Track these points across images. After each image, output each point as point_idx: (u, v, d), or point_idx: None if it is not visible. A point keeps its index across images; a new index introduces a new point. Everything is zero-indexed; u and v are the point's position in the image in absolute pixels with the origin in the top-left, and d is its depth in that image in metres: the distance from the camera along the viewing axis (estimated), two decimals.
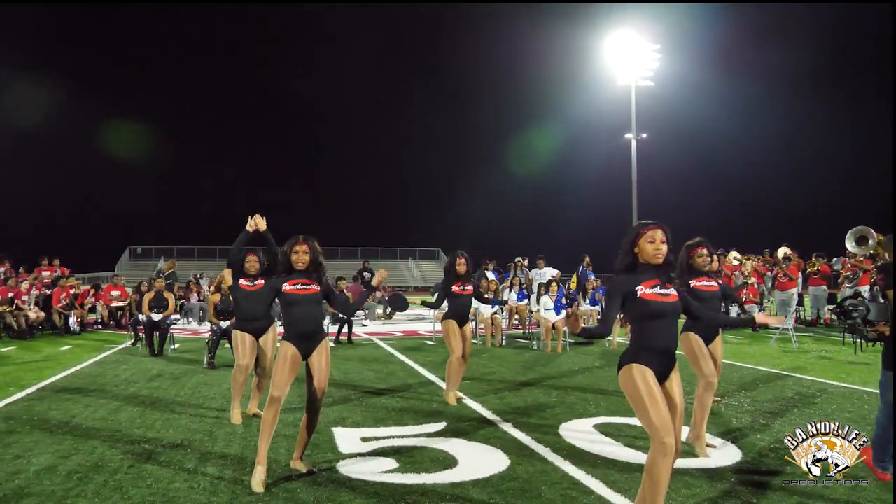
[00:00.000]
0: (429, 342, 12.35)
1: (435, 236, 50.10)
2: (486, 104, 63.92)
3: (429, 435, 5.38)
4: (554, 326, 11.27)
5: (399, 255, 48.55)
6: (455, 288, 6.81)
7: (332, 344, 12.31)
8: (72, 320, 13.46)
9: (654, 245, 3.28)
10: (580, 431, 5.48)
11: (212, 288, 10.98)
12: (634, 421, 5.79)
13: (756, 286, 14.14)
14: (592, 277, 15.38)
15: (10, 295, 12.65)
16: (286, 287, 4.28)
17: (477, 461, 4.62)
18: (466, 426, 5.69)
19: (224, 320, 9.36)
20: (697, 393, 4.89)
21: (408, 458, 4.70)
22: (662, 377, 3.27)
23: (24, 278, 13.84)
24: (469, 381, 7.98)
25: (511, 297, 15.06)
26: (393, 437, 5.32)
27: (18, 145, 49.68)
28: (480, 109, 65.11)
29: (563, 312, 11.85)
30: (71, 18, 57.26)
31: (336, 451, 4.90)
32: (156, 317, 10.66)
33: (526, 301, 14.47)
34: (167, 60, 66.62)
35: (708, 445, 4.87)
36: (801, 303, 15.59)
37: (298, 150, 68.25)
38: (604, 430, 5.51)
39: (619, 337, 11.77)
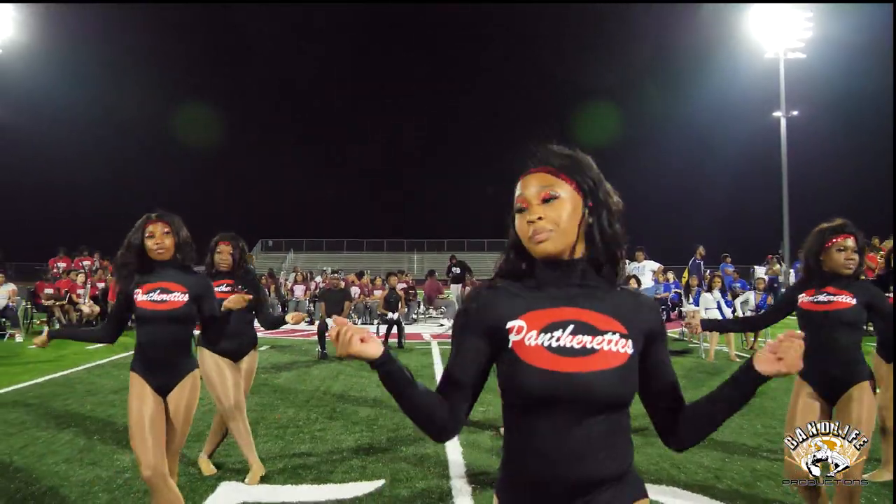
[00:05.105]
0: None
1: None
2: (614, 78, 59.66)
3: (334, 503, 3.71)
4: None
5: (486, 248, 45.22)
6: None
7: None
8: None
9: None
10: None
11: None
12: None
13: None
14: (731, 269, 13.29)
15: (65, 290, 12.43)
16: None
17: None
18: (405, 490, 3.93)
19: None
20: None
21: None
22: None
23: (78, 269, 13.67)
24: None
25: None
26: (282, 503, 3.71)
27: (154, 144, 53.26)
28: (609, 87, 61.02)
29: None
30: None
31: None
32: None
33: None
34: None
35: None
36: None
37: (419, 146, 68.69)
38: None
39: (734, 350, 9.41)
